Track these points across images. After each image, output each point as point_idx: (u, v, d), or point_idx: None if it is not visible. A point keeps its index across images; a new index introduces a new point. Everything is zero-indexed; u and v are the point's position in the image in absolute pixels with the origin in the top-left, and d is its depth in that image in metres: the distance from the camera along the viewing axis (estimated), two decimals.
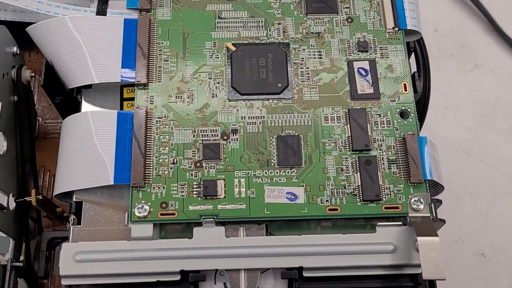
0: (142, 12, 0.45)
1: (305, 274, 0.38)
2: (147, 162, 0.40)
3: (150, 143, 0.40)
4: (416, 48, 0.49)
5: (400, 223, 0.39)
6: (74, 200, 0.41)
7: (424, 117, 0.49)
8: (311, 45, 0.44)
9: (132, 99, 0.43)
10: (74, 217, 0.40)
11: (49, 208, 0.49)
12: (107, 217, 0.41)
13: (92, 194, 0.41)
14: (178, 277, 0.38)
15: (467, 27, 0.70)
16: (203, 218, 0.39)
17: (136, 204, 0.39)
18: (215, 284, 0.38)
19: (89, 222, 0.40)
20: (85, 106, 0.44)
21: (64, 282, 0.38)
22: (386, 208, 0.39)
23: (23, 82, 0.48)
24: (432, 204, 0.40)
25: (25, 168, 0.48)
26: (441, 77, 0.67)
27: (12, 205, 0.45)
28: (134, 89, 0.43)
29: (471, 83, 0.66)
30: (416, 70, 0.47)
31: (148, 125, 0.41)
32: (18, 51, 0.47)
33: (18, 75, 0.47)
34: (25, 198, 0.46)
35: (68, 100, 0.46)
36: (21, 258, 0.46)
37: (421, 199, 0.39)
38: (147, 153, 0.40)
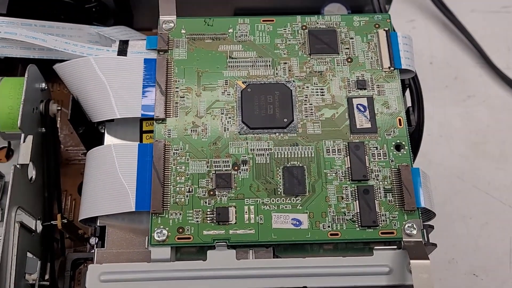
0: (160, 52, 0.49)
1: None
2: (165, 191, 0.44)
3: (168, 173, 0.45)
4: (411, 84, 0.53)
5: (395, 247, 0.43)
6: (98, 225, 0.45)
7: (418, 146, 0.53)
8: (314, 83, 0.48)
9: (151, 131, 0.47)
10: (99, 240, 0.44)
11: (72, 230, 0.53)
12: (128, 241, 0.45)
13: (114, 219, 0.45)
14: None
15: (460, 60, 0.74)
16: (216, 242, 0.42)
17: (155, 229, 0.43)
18: None
19: (111, 245, 0.44)
20: (108, 139, 0.48)
21: None
22: (382, 233, 0.43)
23: (50, 115, 0.52)
24: (424, 230, 0.44)
25: (51, 194, 0.52)
26: (436, 107, 0.71)
27: (39, 228, 0.49)
28: (153, 123, 0.47)
29: (464, 112, 0.70)
30: (411, 105, 0.52)
31: (166, 156, 0.45)
32: (45, 87, 0.52)
33: (46, 109, 0.51)
34: (51, 222, 0.51)
35: (90, 130, 0.51)
36: (46, 277, 0.50)
37: (414, 225, 0.43)
38: (165, 182, 0.44)
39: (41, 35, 0.50)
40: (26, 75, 0.49)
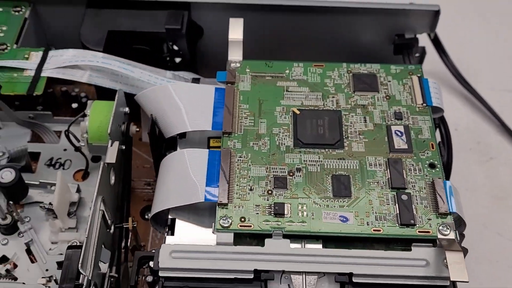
0: (228, 84, 0.59)
1: (355, 279, 0.47)
2: (230, 187, 0.51)
3: (233, 174, 0.52)
4: (440, 124, 0.61)
5: (431, 244, 0.49)
6: (169, 217, 0.51)
7: (448, 176, 0.59)
8: (357, 113, 0.57)
9: (218, 147, 0.55)
10: (169, 229, 0.51)
11: (136, 238, 0.59)
12: (193, 231, 0.51)
13: (183, 213, 0.52)
14: (251, 276, 0.47)
15: (482, 128, 0.82)
16: (274, 231, 0.49)
17: (220, 217, 0.49)
18: (280, 284, 0.47)
19: (179, 234, 0.51)
20: (180, 147, 0.56)
21: (162, 273, 0.47)
22: (419, 231, 0.49)
23: (129, 135, 0.61)
24: (457, 231, 0.49)
25: (123, 201, 0.59)
26: (462, 165, 0.78)
27: (111, 229, 0.56)
28: (218, 141, 0.55)
29: (487, 171, 0.77)
30: (440, 140, 0.59)
31: (231, 161, 0.53)
32: (128, 111, 0.61)
33: (127, 129, 0.60)
34: (123, 224, 0.57)
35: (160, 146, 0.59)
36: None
37: (448, 226, 0.49)
38: (230, 181, 0.51)
39: (130, 67, 0.61)
40: (116, 97, 0.58)
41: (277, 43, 0.70)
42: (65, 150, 0.68)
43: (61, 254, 0.58)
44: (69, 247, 0.50)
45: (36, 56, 0.61)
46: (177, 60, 0.70)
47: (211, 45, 0.71)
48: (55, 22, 0.69)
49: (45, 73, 0.60)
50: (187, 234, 0.51)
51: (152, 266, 0.52)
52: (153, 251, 0.50)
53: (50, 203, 0.60)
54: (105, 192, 0.54)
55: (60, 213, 0.58)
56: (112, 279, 0.53)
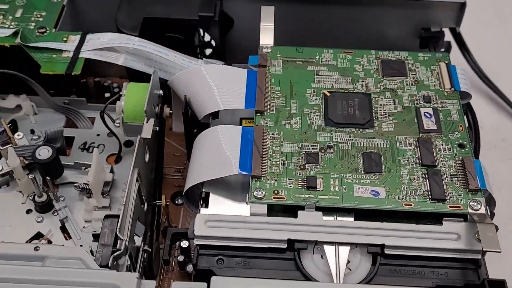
0: (260, 67, 0.60)
1: (387, 251, 0.47)
2: (263, 162, 0.52)
3: (265, 150, 0.53)
4: (467, 111, 0.62)
5: (462, 219, 0.49)
6: (203, 190, 0.53)
7: None
8: (387, 96, 0.58)
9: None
10: (203, 202, 0.52)
11: (168, 217, 0.60)
12: (226, 205, 0.52)
13: (214, 188, 0.53)
14: (285, 245, 0.48)
15: (507, 126, 0.83)
16: (306, 203, 0.50)
17: (255, 188, 0.50)
18: (313, 254, 0.48)
19: (213, 206, 0.52)
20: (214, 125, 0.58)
21: (197, 241, 0.48)
22: (450, 207, 0.49)
23: (163, 117, 0.62)
24: (487, 207, 0.50)
25: (156, 180, 0.60)
26: (487, 162, 0.77)
27: (145, 206, 0.57)
28: (251, 121, 0.57)
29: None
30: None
31: (264, 137, 0.54)
32: (162, 94, 0.63)
33: (161, 111, 0.62)
34: (156, 202, 0.58)
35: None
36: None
37: (479, 201, 0.49)
38: (263, 156, 0.53)
39: (165, 51, 0.63)
40: (152, 77, 0.60)
41: (304, 34, 0.71)
42: (98, 135, 0.69)
43: (95, 231, 0.60)
44: (106, 216, 0.51)
45: (74, 39, 0.63)
46: (208, 51, 0.72)
47: (239, 37, 0.73)
48: (90, 9, 0.71)
49: (83, 55, 0.62)
50: (220, 208, 0.52)
51: (183, 245, 0.53)
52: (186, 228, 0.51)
53: (84, 183, 0.62)
54: (140, 168, 0.55)
55: (95, 190, 0.59)
56: (145, 254, 0.54)
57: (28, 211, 0.62)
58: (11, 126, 0.66)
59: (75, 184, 0.63)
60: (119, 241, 0.48)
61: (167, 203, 0.58)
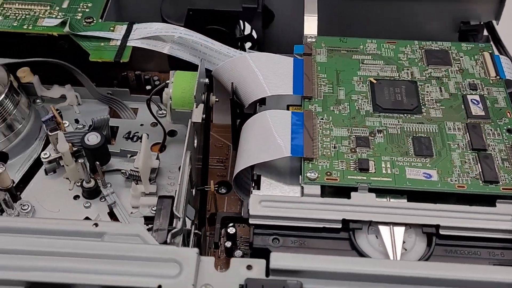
0: (305, 55, 0.61)
1: (442, 232, 0.48)
2: (314, 145, 0.53)
3: (315, 134, 0.54)
4: None
5: None
6: (255, 173, 0.53)
7: None
8: (433, 84, 0.59)
9: None
10: (255, 185, 0.53)
11: (214, 200, 0.61)
12: (277, 187, 0.53)
13: (264, 170, 0.53)
14: (339, 225, 0.48)
15: None
16: (359, 184, 0.50)
17: (308, 169, 0.51)
18: (367, 234, 0.48)
19: (265, 189, 0.52)
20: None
21: (252, 221, 0.49)
22: (503, 188, 0.50)
23: (209, 105, 0.63)
24: None
25: (204, 166, 0.61)
26: None
27: (193, 190, 0.58)
28: (298, 107, 0.58)
29: None
30: None
31: (313, 122, 0.55)
32: (208, 82, 0.64)
33: (207, 99, 0.62)
34: (205, 187, 0.59)
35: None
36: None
37: None
38: (314, 139, 0.53)
39: (211, 40, 0.64)
40: (200, 65, 0.61)
41: (343, 26, 0.72)
42: (141, 125, 0.70)
43: (143, 216, 0.61)
44: (160, 197, 0.52)
45: (121, 28, 0.65)
46: (247, 45, 0.73)
47: (276, 31, 0.74)
48: (133, 1, 0.73)
49: (130, 43, 0.63)
50: (272, 190, 0.52)
51: (230, 231, 0.54)
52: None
53: (131, 169, 0.63)
54: (192, 151, 0.56)
55: (144, 176, 0.60)
56: (195, 237, 0.55)
57: (76, 197, 0.62)
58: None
59: (122, 171, 0.64)
60: (175, 220, 0.49)
61: (216, 187, 0.59)
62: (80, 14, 0.66)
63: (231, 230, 0.56)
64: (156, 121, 0.70)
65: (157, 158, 0.64)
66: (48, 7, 0.67)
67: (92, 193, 0.62)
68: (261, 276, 0.43)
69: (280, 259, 0.43)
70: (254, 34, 0.72)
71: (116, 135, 0.69)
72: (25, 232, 0.45)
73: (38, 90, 0.70)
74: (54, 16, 0.66)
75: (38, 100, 0.71)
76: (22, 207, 0.60)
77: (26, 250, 0.43)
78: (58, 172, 0.65)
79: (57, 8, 0.67)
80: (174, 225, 0.49)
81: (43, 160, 0.63)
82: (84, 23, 0.65)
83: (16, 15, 0.66)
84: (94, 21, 0.65)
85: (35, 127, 0.68)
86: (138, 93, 0.74)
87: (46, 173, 0.64)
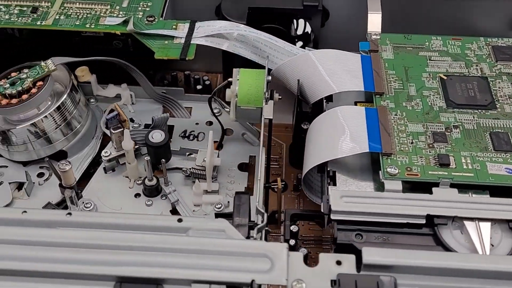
0: (372, 52, 0.61)
1: None
2: (391, 140, 0.52)
3: (391, 129, 0.53)
4: None
5: None
6: (329, 169, 0.53)
7: None
8: (504, 80, 0.58)
9: None
10: (330, 181, 0.52)
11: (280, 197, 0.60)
12: (353, 183, 0.52)
13: (337, 166, 0.53)
14: (423, 221, 0.47)
15: None
16: (441, 180, 0.49)
17: (388, 165, 0.50)
18: (452, 230, 0.48)
19: (341, 185, 0.52)
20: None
21: (333, 216, 0.48)
22: None
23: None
24: None
25: (268, 161, 0.60)
26: None
27: None
28: (365, 104, 0.57)
29: None
30: None
31: (388, 118, 0.54)
32: (270, 80, 0.63)
33: (271, 96, 0.62)
34: (271, 184, 0.58)
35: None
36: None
37: None
38: (390, 135, 0.52)
39: (274, 37, 0.63)
40: (266, 62, 0.60)
41: (401, 22, 0.72)
42: (196, 123, 0.70)
43: (206, 214, 0.60)
44: (238, 193, 0.51)
45: (183, 27, 0.64)
46: (299, 44, 0.73)
47: (330, 29, 0.74)
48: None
49: (194, 41, 0.63)
50: (348, 186, 0.52)
51: (293, 229, 0.53)
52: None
53: (192, 167, 0.62)
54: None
55: (209, 174, 0.60)
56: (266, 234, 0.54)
57: (136, 195, 0.62)
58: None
59: (183, 169, 0.63)
60: (257, 215, 0.48)
61: (283, 184, 0.58)
62: (141, 13, 0.66)
63: (294, 228, 0.55)
64: (210, 120, 0.70)
65: (218, 156, 0.63)
66: (109, 6, 0.66)
67: (153, 191, 0.61)
68: (352, 271, 0.42)
69: (373, 254, 0.42)
70: (308, 32, 0.71)
71: (172, 133, 0.69)
72: (111, 228, 0.45)
73: (95, 89, 0.70)
74: (115, 15, 0.65)
75: (92, 100, 0.71)
76: (85, 205, 0.60)
77: (116, 245, 0.42)
78: (117, 170, 0.64)
79: (118, 7, 0.66)
80: (256, 220, 0.48)
81: (103, 158, 0.63)
82: (146, 22, 0.65)
83: (78, 14, 0.65)
84: (156, 20, 0.65)
85: (92, 126, 0.67)
86: (188, 92, 0.74)
87: (105, 172, 0.64)
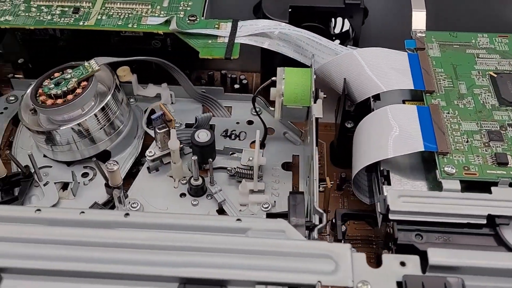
0: (418, 50, 0.60)
1: None
2: (446, 139, 0.51)
3: (445, 128, 0.52)
4: None
5: None
6: (383, 168, 0.52)
7: None
8: None
9: None
10: (384, 180, 0.51)
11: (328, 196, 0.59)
12: (408, 183, 0.51)
13: (389, 165, 0.52)
14: (484, 221, 0.47)
15: None
16: (500, 179, 0.49)
17: (444, 164, 0.49)
18: None
19: (395, 185, 0.51)
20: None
21: (392, 216, 0.47)
22: None
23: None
24: None
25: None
26: None
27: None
28: (413, 102, 0.57)
29: None
30: None
31: (441, 116, 0.53)
32: (315, 77, 0.63)
33: (316, 94, 0.61)
34: (320, 184, 0.58)
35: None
36: None
37: None
38: (445, 134, 0.52)
39: (317, 36, 0.63)
40: (312, 61, 0.60)
41: (443, 22, 0.71)
42: (237, 123, 0.70)
43: (253, 214, 0.60)
44: (292, 193, 0.51)
45: (226, 26, 0.64)
46: (336, 42, 0.72)
47: (369, 28, 0.73)
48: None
49: (238, 40, 0.62)
50: (403, 186, 0.51)
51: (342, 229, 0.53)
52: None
53: (237, 167, 0.62)
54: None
55: (256, 173, 0.59)
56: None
57: (182, 195, 0.62)
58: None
59: (227, 169, 0.63)
60: (315, 215, 0.48)
61: (332, 183, 0.57)
62: (182, 13, 0.66)
63: (342, 228, 0.55)
64: (251, 119, 0.70)
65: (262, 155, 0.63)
66: (150, 6, 0.66)
67: (198, 191, 0.61)
68: (417, 272, 0.42)
69: (439, 255, 0.42)
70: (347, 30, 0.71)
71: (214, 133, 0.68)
72: (170, 228, 0.44)
73: (135, 89, 0.70)
74: (156, 14, 0.65)
75: (131, 99, 0.71)
76: (132, 205, 0.60)
77: (178, 245, 0.42)
78: (161, 170, 0.64)
79: (158, 7, 0.66)
80: (314, 220, 0.48)
81: (147, 158, 0.63)
82: (188, 21, 0.65)
83: (119, 14, 0.65)
84: (198, 19, 0.65)
85: (134, 126, 0.67)
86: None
87: (149, 171, 0.64)
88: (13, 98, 0.73)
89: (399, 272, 0.42)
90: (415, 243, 0.46)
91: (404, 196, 0.48)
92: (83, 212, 0.46)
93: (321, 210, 0.47)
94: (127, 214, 0.45)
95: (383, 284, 0.41)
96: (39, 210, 0.46)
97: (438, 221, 0.47)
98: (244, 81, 0.75)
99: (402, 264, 0.42)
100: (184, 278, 0.41)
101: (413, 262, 0.42)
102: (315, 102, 0.57)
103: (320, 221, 0.47)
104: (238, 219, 0.45)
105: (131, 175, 0.64)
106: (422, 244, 0.46)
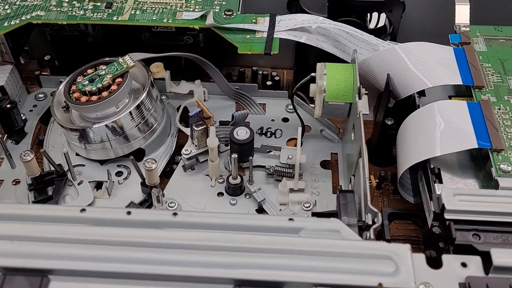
0: (464, 45, 0.58)
1: None
2: (500, 135, 0.50)
3: (497, 124, 0.51)
4: None
5: None
6: (433, 166, 0.50)
7: None
8: None
9: None
10: (436, 178, 0.50)
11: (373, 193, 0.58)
12: (460, 181, 0.50)
13: (442, 163, 0.51)
14: None
15: None
16: None
17: (499, 161, 0.48)
18: None
19: (447, 183, 0.50)
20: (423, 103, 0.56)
21: (448, 216, 0.46)
22: None
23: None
24: None
25: None
26: None
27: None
28: (460, 98, 0.55)
29: None
30: None
31: (492, 112, 0.52)
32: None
33: (358, 91, 0.60)
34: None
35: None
36: None
37: None
38: (498, 130, 0.50)
39: (359, 30, 0.61)
40: (356, 56, 0.58)
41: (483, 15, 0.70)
42: (272, 120, 0.68)
43: (294, 214, 0.58)
44: (342, 191, 0.49)
45: (263, 20, 0.62)
46: None
47: (406, 23, 0.72)
48: None
49: (277, 35, 0.61)
50: (455, 184, 0.49)
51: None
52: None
53: (276, 165, 0.60)
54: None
55: (297, 171, 0.58)
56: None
57: (219, 194, 0.60)
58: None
59: (266, 167, 0.61)
60: (368, 214, 0.46)
61: (377, 181, 0.56)
62: (217, 7, 0.64)
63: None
64: (286, 117, 0.68)
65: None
66: (184, 1, 0.65)
67: (236, 190, 0.60)
68: (479, 274, 0.41)
69: (504, 256, 0.40)
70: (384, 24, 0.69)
71: None
72: (219, 228, 0.43)
73: (168, 86, 0.68)
74: (191, 9, 0.64)
75: (163, 96, 0.70)
76: (169, 204, 0.58)
77: (231, 246, 0.41)
78: (196, 169, 0.63)
79: (193, 1, 0.65)
80: (366, 220, 0.46)
81: (183, 156, 0.61)
82: (224, 16, 0.63)
83: (153, 9, 0.64)
84: (234, 14, 0.63)
85: (167, 124, 0.66)
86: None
87: (185, 170, 0.63)
88: (42, 95, 0.71)
89: (460, 274, 0.40)
90: (474, 243, 0.45)
91: (459, 195, 0.46)
92: (129, 212, 0.44)
93: (375, 209, 0.45)
94: (175, 214, 0.44)
95: (445, 286, 0.40)
96: (84, 210, 0.45)
97: (496, 220, 0.45)
98: (276, 78, 0.74)
99: (464, 265, 0.41)
100: (240, 280, 0.40)
101: (474, 263, 0.41)
102: (360, 98, 0.55)
103: (373, 221, 0.46)
104: (290, 219, 0.44)
105: (165, 174, 0.63)
106: (480, 245, 0.45)
